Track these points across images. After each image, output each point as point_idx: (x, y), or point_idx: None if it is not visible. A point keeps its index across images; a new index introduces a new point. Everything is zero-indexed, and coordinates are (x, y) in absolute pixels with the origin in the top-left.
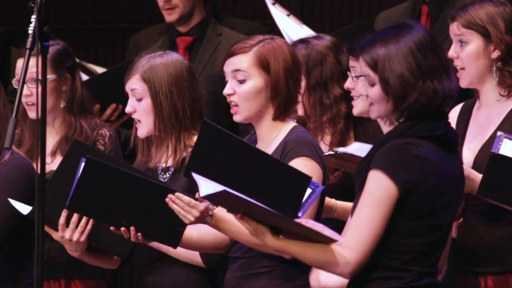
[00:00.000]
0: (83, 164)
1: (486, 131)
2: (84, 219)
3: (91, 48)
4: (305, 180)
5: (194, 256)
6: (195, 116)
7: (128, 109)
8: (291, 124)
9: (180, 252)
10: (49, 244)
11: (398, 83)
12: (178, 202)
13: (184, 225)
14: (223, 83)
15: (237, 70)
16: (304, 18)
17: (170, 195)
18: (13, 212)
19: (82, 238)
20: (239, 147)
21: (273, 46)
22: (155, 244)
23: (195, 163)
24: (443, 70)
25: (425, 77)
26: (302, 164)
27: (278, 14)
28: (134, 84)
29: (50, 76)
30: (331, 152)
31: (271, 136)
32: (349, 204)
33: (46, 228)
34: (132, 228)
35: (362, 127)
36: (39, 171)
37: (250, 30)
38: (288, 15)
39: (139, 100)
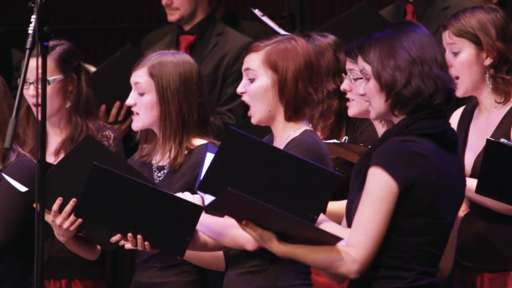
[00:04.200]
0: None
1: (485, 135)
2: None
3: (91, 48)
4: (334, 178)
5: (214, 259)
6: (200, 120)
7: (128, 101)
8: (302, 127)
9: (201, 256)
10: (51, 243)
11: (389, 71)
12: None
13: (190, 235)
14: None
15: (248, 69)
16: (304, 18)
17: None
18: (19, 215)
19: (72, 228)
20: (266, 152)
21: (286, 47)
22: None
23: (218, 171)
24: (436, 62)
25: (415, 63)
26: None
27: (270, 24)
28: (139, 78)
29: (57, 77)
30: (335, 141)
31: (283, 137)
32: (332, 205)
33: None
34: (139, 236)
35: (353, 124)
36: (38, 171)
37: (259, 33)
38: (278, 27)
39: (141, 94)
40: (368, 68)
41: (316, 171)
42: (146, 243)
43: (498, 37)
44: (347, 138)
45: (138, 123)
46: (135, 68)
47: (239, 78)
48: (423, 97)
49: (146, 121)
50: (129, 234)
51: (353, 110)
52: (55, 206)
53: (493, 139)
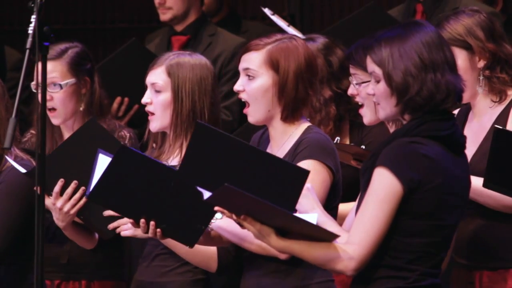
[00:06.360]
0: (100, 155)
1: (479, 136)
2: (78, 193)
3: (91, 48)
4: (303, 174)
5: (207, 258)
6: (212, 120)
7: (144, 99)
8: (304, 125)
9: (195, 253)
10: (70, 246)
11: (401, 75)
12: None
13: (206, 224)
14: None
15: (247, 68)
16: (304, 18)
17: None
18: (17, 221)
19: (72, 211)
20: (234, 146)
21: (287, 46)
22: (170, 243)
23: (189, 166)
24: (447, 65)
25: (427, 69)
26: (308, 167)
27: (280, 23)
28: (157, 76)
29: (70, 80)
30: None
31: (284, 138)
32: (343, 207)
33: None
34: (152, 223)
35: (358, 126)
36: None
37: (262, 33)
38: (288, 25)
39: (158, 92)
40: (378, 71)
41: (285, 167)
42: (158, 230)
43: (487, 38)
44: (338, 139)
45: (155, 123)
46: (151, 68)
47: (234, 76)
48: (435, 102)
49: (163, 121)
50: (142, 220)
51: (367, 118)
52: (56, 188)
53: (500, 127)
